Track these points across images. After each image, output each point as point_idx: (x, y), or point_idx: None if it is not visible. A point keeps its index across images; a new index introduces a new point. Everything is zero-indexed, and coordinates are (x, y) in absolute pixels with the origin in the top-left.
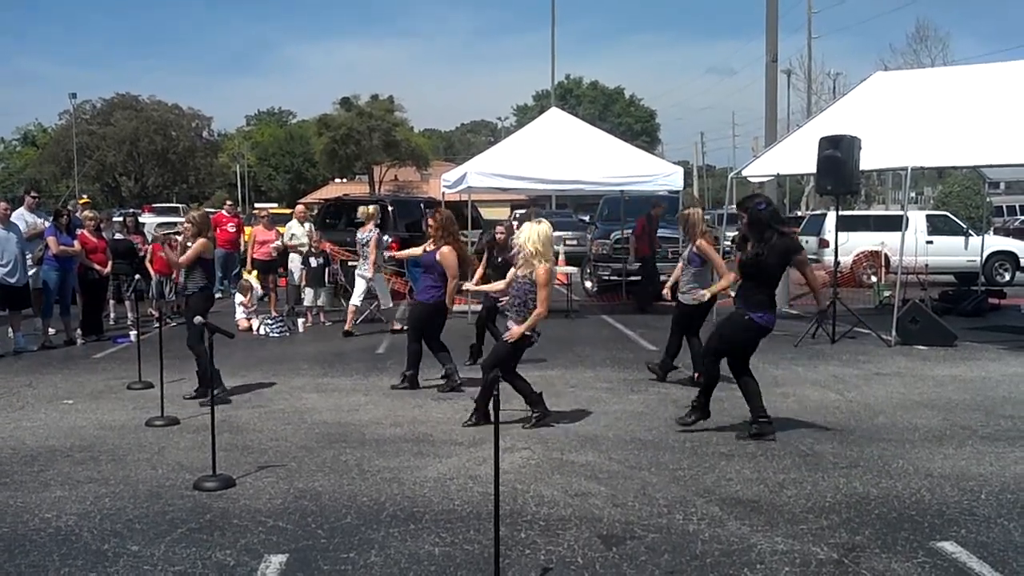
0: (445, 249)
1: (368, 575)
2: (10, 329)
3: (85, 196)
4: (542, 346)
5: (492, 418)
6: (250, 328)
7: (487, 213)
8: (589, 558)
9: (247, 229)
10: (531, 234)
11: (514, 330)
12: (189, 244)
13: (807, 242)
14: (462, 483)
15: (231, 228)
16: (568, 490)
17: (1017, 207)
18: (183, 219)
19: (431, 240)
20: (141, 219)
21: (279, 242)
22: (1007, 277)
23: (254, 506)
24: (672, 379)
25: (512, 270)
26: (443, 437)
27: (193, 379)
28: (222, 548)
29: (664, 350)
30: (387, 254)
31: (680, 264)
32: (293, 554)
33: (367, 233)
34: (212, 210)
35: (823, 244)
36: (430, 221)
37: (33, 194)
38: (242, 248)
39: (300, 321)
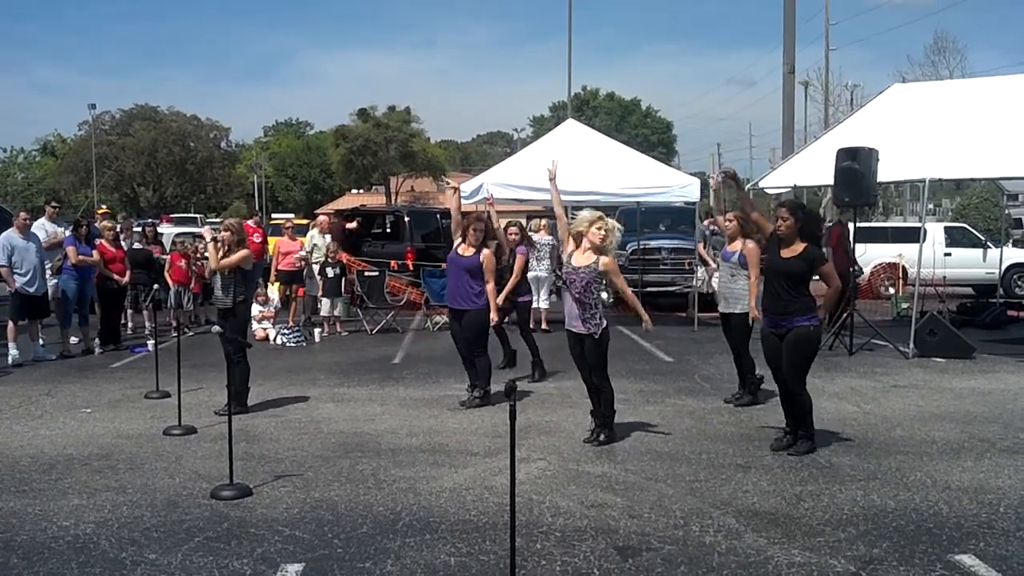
0: (489, 252)
1: None
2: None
3: (104, 206)
4: (558, 357)
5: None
6: (267, 338)
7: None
8: (605, 569)
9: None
10: (607, 221)
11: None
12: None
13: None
14: (478, 493)
15: (257, 239)
16: (584, 501)
17: None
18: (217, 227)
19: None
20: (159, 229)
21: (303, 252)
22: None
23: (271, 515)
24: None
25: (569, 260)
26: (459, 447)
27: (210, 388)
28: (239, 557)
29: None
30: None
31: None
32: (309, 563)
33: (546, 238)
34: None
35: None
36: (475, 226)
37: (54, 204)
38: (266, 258)
39: (317, 331)
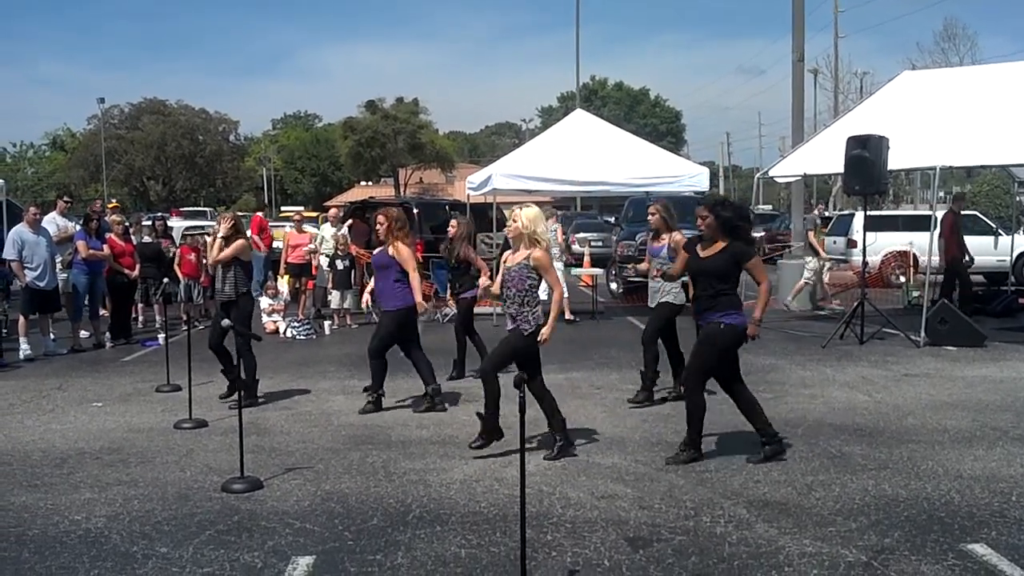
0: (398, 244)
1: None
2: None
3: (114, 200)
4: (568, 348)
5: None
6: (277, 331)
7: None
8: (615, 560)
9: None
10: (523, 216)
11: (545, 331)
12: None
13: (835, 242)
14: (488, 485)
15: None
16: (594, 492)
17: None
18: (217, 220)
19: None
20: (169, 223)
21: (312, 245)
22: None
23: (281, 508)
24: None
25: (504, 261)
26: (469, 439)
27: (220, 382)
28: (250, 550)
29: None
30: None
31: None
32: (320, 556)
33: (554, 225)
34: (247, 213)
35: (851, 244)
36: (379, 219)
37: (66, 199)
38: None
39: (327, 324)
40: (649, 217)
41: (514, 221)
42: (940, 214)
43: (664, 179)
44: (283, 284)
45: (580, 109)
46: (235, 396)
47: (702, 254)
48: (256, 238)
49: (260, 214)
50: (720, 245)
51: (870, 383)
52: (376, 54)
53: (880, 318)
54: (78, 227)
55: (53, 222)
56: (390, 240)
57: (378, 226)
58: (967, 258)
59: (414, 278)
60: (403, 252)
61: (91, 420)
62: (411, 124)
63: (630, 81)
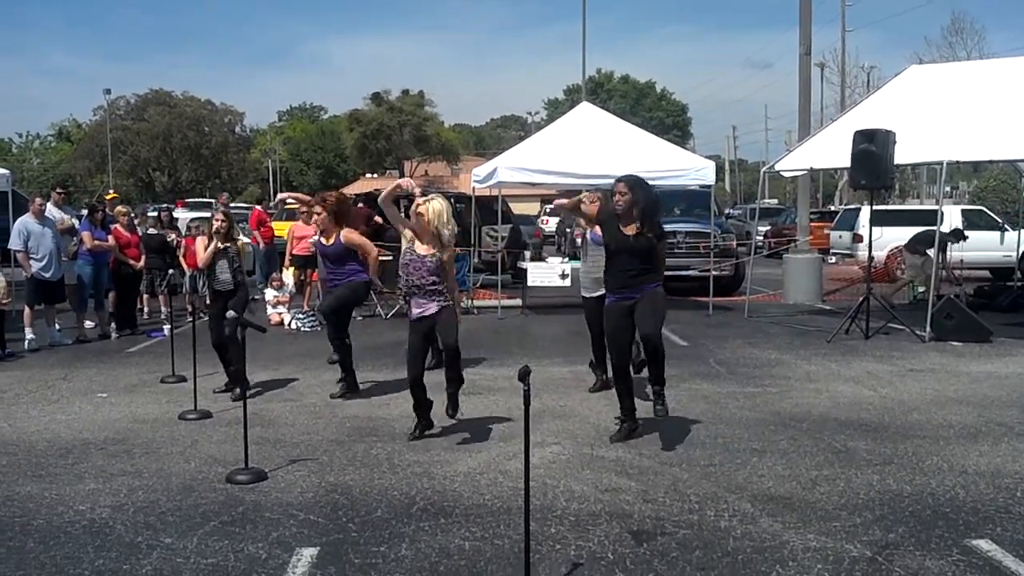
0: (350, 235)
1: (399, 568)
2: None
3: (112, 191)
4: (572, 340)
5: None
6: (282, 323)
7: (517, 208)
8: (620, 554)
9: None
10: (435, 208)
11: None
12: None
13: (841, 237)
14: (492, 478)
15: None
16: (598, 485)
17: None
18: (215, 213)
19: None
20: (174, 214)
21: (315, 237)
22: None
23: (286, 499)
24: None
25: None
26: (473, 432)
27: (223, 373)
28: (254, 541)
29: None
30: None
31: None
32: (324, 547)
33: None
34: (246, 206)
35: (857, 239)
36: (317, 208)
37: (59, 190)
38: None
39: None
40: (592, 204)
41: (423, 213)
42: (947, 208)
43: (670, 173)
44: (288, 276)
45: (586, 102)
46: (228, 390)
47: (625, 231)
48: (255, 232)
49: (260, 207)
50: (636, 226)
51: (875, 378)
52: (381, 46)
53: (886, 313)
54: (75, 219)
55: (49, 214)
56: (335, 228)
57: (316, 216)
58: None
59: (375, 259)
60: (357, 239)
61: (96, 410)
62: (416, 116)
63: (636, 74)
